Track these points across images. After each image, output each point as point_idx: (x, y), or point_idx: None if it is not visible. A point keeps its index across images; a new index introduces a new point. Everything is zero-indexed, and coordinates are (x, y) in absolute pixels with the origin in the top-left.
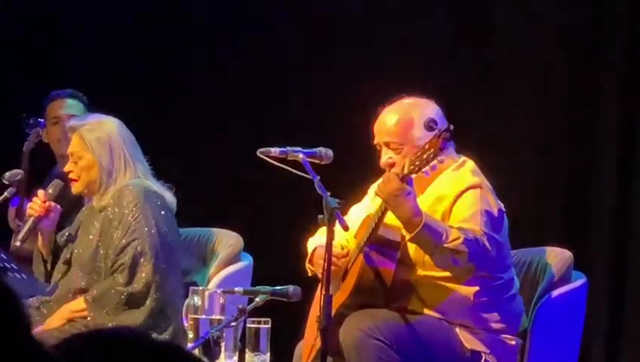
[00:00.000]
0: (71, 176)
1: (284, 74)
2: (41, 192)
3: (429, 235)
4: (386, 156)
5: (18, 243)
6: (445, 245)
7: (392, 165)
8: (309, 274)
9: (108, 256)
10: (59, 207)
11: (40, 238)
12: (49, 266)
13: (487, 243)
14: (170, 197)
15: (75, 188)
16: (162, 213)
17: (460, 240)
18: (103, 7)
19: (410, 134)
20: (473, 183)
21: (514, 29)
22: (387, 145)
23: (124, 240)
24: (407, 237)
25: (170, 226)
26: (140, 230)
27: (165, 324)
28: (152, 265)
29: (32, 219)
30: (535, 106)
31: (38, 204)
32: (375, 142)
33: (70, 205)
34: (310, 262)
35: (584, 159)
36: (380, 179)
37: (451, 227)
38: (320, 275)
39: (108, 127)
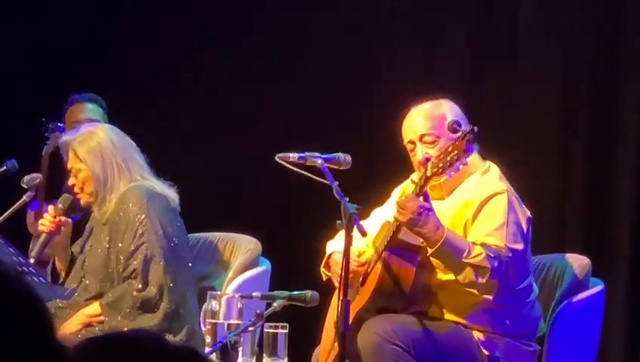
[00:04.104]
0: (75, 189)
1: (306, 78)
2: (51, 208)
3: (450, 250)
4: (422, 152)
5: (32, 260)
6: (467, 260)
7: (429, 160)
8: (324, 279)
9: (119, 260)
10: (70, 220)
11: (56, 255)
12: (63, 280)
13: (509, 261)
14: (173, 195)
15: (83, 200)
16: (167, 213)
17: (483, 255)
18: (123, 6)
19: (444, 127)
20: (500, 189)
21: (536, 34)
22: (422, 138)
23: (132, 245)
24: (429, 251)
25: (176, 226)
26: (147, 233)
27: (179, 325)
28: (162, 267)
29: (44, 235)
30: (556, 113)
31: (49, 220)
32: (407, 141)
33: (84, 215)
34: (325, 266)
35: (604, 166)
36: (400, 185)
37: (474, 243)
38: (334, 281)
39: (98, 136)
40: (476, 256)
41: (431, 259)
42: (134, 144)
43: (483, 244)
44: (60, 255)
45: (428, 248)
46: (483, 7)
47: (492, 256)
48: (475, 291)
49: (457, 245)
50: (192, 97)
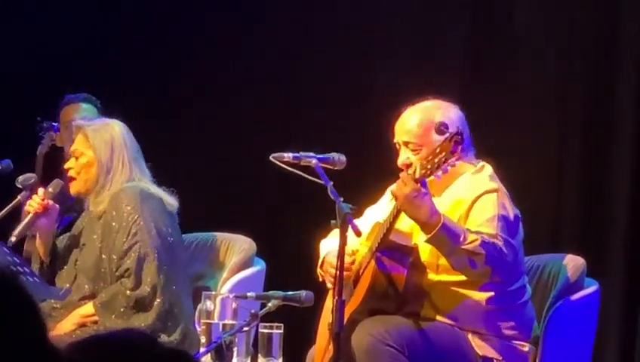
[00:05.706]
0: (70, 173)
1: (306, 78)
2: (41, 190)
3: (447, 236)
4: (404, 156)
5: (14, 239)
6: (463, 246)
7: (409, 166)
8: (320, 280)
9: (112, 260)
10: (57, 206)
11: (37, 237)
12: (45, 267)
13: (503, 247)
14: (169, 199)
15: (74, 187)
16: (161, 213)
17: (478, 242)
18: (123, 6)
19: (430, 136)
20: (490, 188)
21: (536, 34)
22: (406, 144)
23: (126, 245)
24: (425, 238)
25: (171, 226)
26: (140, 232)
27: (174, 325)
28: (156, 266)
29: (29, 215)
30: (555, 113)
31: (37, 201)
32: (395, 140)
33: (78, 215)
34: (321, 268)
35: (601, 166)
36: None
37: (469, 230)
38: (330, 283)
39: (114, 129)
40: (471, 241)
41: (421, 258)
42: (141, 151)
43: (477, 232)
44: (42, 239)
45: (424, 233)
46: (482, 7)
47: (486, 241)
48: (467, 276)
49: (454, 231)
50: (191, 97)
